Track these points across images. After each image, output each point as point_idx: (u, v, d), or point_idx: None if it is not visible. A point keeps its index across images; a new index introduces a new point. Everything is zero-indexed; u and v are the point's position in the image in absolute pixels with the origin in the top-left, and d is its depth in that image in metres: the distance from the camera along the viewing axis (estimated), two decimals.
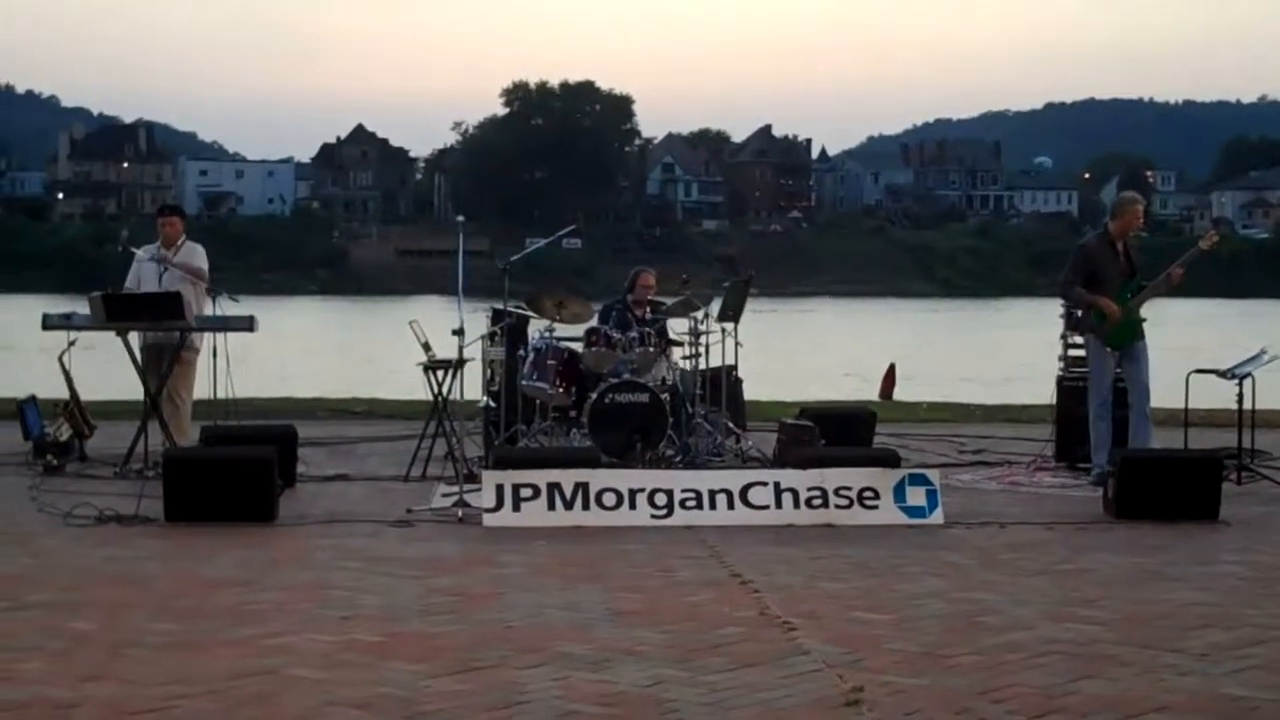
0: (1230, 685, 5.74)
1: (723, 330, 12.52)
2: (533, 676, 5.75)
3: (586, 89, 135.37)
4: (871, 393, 21.07)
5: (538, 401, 12.09)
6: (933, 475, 9.94)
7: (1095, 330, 11.56)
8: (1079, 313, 11.84)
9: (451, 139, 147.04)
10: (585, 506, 9.50)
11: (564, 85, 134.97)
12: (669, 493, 9.62)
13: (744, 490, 9.66)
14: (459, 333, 10.62)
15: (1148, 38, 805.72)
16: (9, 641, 6.26)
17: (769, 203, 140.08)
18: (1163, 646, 6.33)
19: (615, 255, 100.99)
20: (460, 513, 9.67)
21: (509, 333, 12.41)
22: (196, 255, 12.50)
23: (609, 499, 9.56)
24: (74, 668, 5.83)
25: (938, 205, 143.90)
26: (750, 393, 13.88)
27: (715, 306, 12.52)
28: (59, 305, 13.15)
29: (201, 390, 12.16)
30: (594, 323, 12.53)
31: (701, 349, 12.24)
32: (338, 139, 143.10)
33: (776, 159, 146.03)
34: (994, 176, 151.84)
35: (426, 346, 11.73)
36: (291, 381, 22.51)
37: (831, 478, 9.70)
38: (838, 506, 9.62)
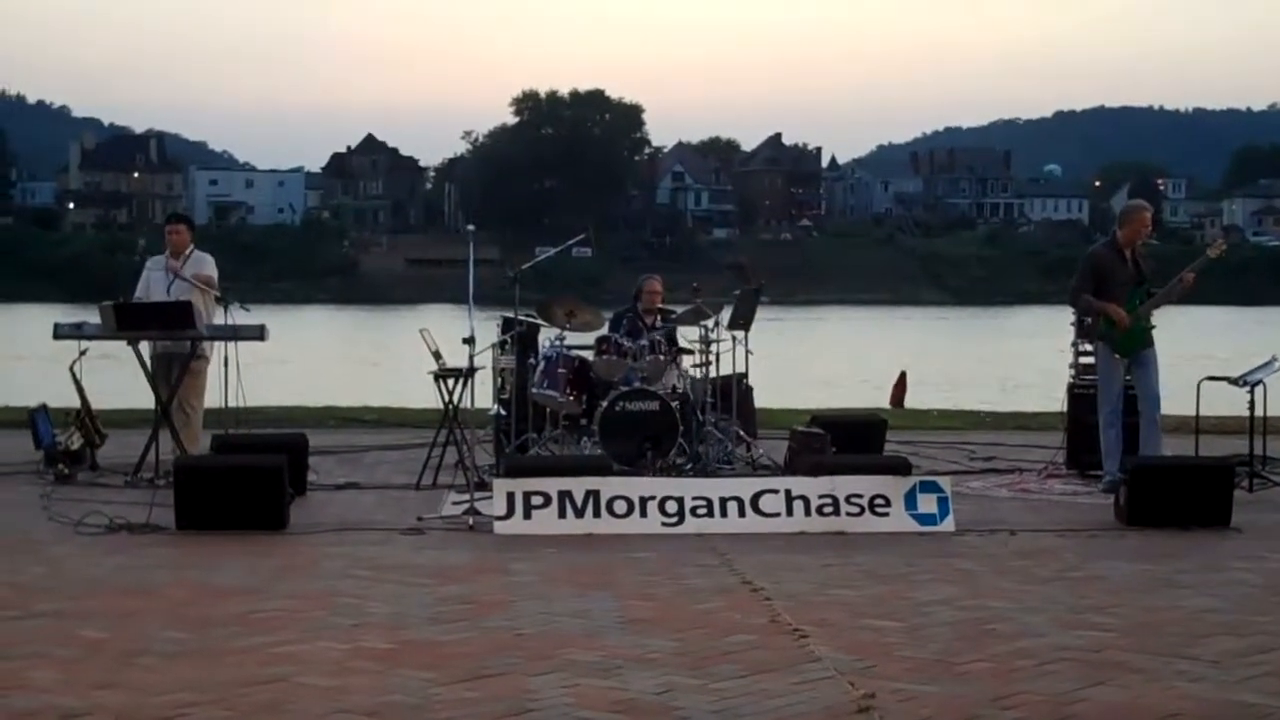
0: (1242, 692, 5.73)
1: (733, 338, 12.54)
2: (543, 684, 5.75)
3: (596, 98, 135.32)
4: (882, 400, 21.06)
5: (548, 409, 12.08)
6: (944, 482, 9.93)
7: (1104, 337, 11.55)
8: (1089, 320, 11.84)
9: (461, 148, 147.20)
10: (596, 514, 9.51)
11: (574, 94, 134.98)
12: (680, 500, 9.62)
13: (755, 498, 9.66)
14: (469, 341, 10.63)
15: (1158, 46, 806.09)
16: (20, 649, 6.27)
17: (779, 211, 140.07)
18: (1174, 654, 6.32)
19: (625, 264, 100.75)
20: (471, 521, 9.68)
21: (519, 341, 12.42)
22: (205, 264, 12.51)
23: (620, 507, 9.56)
24: (84, 676, 5.84)
25: (948, 213, 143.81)
26: (761, 400, 13.88)
27: (726, 315, 12.53)
28: (70, 315, 13.11)
29: (212, 399, 12.17)
30: (604, 331, 12.54)
31: (712, 357, 12.25)
32: (348, 148, 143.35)
33: (786, 167, 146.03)
34: (1004, 184, 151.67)
35: (437, 355, 11.76)
36: (302, 390, 22.51)
37: (842, 485, 9.70)
38: (849, 514, 9.61)
